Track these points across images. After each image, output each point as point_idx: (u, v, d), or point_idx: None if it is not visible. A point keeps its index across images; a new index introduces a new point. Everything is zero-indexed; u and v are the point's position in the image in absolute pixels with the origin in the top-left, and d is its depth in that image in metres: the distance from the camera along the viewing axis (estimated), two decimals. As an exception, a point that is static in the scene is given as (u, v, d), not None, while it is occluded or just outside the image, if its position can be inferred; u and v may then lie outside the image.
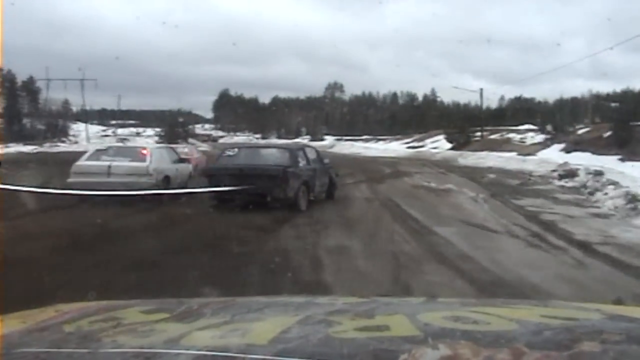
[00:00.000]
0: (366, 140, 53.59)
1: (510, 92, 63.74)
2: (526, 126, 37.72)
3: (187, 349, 0.71)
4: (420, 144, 44.63)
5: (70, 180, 9.14)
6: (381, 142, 52.40)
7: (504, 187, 12.77)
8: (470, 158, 25.78)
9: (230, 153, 9.74)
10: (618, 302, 2.62)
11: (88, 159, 9.94)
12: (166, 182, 10.02)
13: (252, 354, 0.68)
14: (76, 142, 38.38)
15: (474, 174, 16.46)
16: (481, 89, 36.71)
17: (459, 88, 49.14)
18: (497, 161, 22.48)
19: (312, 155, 10.01)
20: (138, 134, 52.89)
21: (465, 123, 35.87)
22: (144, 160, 9.74)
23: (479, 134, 34.71)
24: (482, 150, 28.42)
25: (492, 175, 15.83)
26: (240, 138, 64.14)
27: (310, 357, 0.66)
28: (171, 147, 12.40)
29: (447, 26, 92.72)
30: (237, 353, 0.68)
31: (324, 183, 9.99)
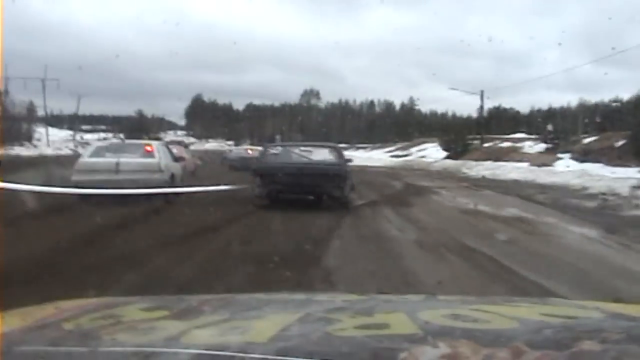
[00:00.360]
0: (344, 149, 52.09)
1: (488, 103, 63.29)
2: (518, 135, 35.93)
3: (187, 347, 0.69)
4: (405, 152, 42.87)
5: (74, 178, 8.68)
6: (361, 151, 50.13)
7: (598, 215, 8.84)
8: (478, 168, 23.30)
9: (276, 152, 9.78)
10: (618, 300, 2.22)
11: (92, 155, 9.48)
12: (172, 180, 9.53)
13: (251, 352, 0.66)
14: (35, 147, 36.41)
15: (515, 190, 13.12)
16: (482, 91, 34.08)
17: (457, 89, 46.27)
18: (518, 173, 19.50)
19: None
20: (105, 139, 48.05)
21: (463, 130, 34.19)
22: (153, 156, 9.31)
23: (476, 142, 32.63)
24: (485, 160, 26.09)
25: (542, 194, 12.20)
26: (212, 145, 62.62)
27: (310, 356, 0.65)
28: (167, 146, 11.48)
29: (424, 36, 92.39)
30: (237, 351, 0.67)
31: (353, 184, 9.82)
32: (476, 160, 26.02)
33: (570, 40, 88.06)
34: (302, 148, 9.97)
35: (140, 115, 61.25)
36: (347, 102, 77.44)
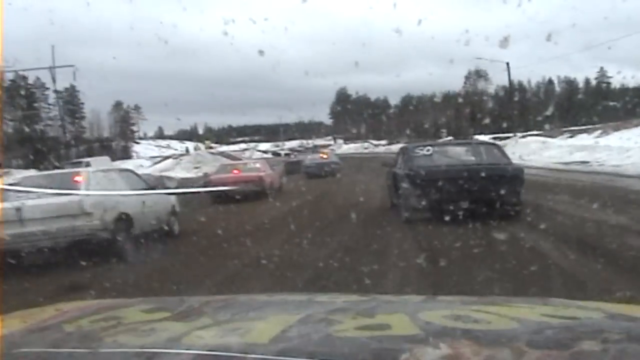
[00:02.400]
0: (541, 136, 29.27)
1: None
2: None
3: (188, 349, 0.70)
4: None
5: None
6: (584, 136, 27.02)
7: None
8: None
9: (426, 152, 7.96)
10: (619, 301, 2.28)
11: None
12: (123, 225, 6.23)
13: (253, 353, 0.67)
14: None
15: None
16: None
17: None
18: None
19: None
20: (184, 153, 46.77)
21: None
22: (77, 191, 5.87)
23: None
24: None
25: None
26: (351, 147, 56.18)
27: (311, 356, 0.65)
28: (131, 171, 8.40)
29: (582, 14, 76.17)
30: (238, 352, 0.67)
31: None
32: None
33: None
34: (454, 147, 8.55)
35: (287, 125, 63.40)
36: (520, 83, 67.44)
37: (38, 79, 52.08)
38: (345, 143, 62.74)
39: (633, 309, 1.01)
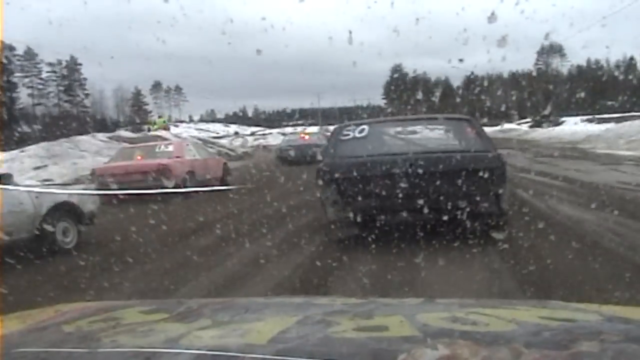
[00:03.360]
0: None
1: None
2: None
3: (187, 349, 0.70)
4: None
5: None
6: None
7: None
8: None
9: (357, 134, 5.03)
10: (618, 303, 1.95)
11: None
12: None
13: (251, 353, 0.67)
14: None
15: None
16: None
17: None
18: None
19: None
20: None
21: None
22: None
23: None
24: None
25: None
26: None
27: (309, 357, 0.66)
28: None
29: None
30: (237, 353, 0.67)
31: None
32: None
33: None
34: (405, 126, 5.89)
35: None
36: (597, 62, 58.15)
37: (29, 49, 48.45)
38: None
39: (631, 312, 1.01)
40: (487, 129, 5.90)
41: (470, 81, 58.23)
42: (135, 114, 59.52)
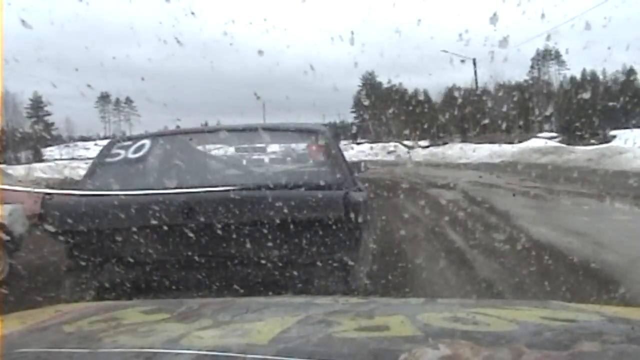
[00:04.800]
0: None
1: None
2: None
3: (187, 349, 0.70)
4: None
5: None
6: None
7: None
8: None
9: (131, 155, 3.03)
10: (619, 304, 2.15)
11: None
12: None
13: (252, 353, 0.67)
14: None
15: None
16: None
17: None
18: None
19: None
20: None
21: None
22: None
23: None
24: None
25: None
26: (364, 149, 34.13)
27: (310, 357, 0.66)
28: None
29: None
30: (238, 353, 0.67)
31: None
32: None
33: None
34: (225, 142, 3.81)
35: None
36: (593, 73, 47.26)
37: None
38: (357, 143, 42.84)
39: (632, 312, 1.02)
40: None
41: (451, 94, 48.51)
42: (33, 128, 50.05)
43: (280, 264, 2.54)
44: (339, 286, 2.55)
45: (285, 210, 2.47)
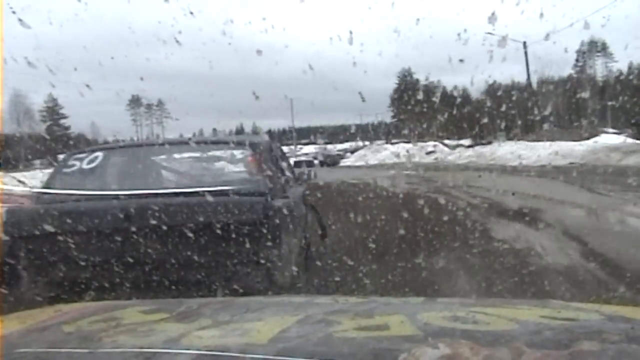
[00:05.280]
0: None
1: None
2: None
3: (187, 349, 0.70)
4: None
5: None
6: None
7: None
8: None
9: (85, 165, 3.49)
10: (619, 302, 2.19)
11: None
12: None
13: (252, 353, 0.67)
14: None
15: None
16: None
17: None
18: None
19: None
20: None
21: None
22: None
23: None
24: None
25: None
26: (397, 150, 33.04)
27: (310, 356, 0.66)
28: None
29: None
30: (237, 352, 0.67)
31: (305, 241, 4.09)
32: None
33: None
34: (169, 153, 4.01)
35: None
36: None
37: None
38: (392, 143, 40.34)
39: (632, 311, 1.01)
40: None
41: (493, 91, 43.53)
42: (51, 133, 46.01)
43: (207, 265, 2.86)
44: (262, 284, 2.86)
45: (211, 215, 2.83)
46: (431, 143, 35.15)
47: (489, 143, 29.02)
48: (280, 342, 0.71)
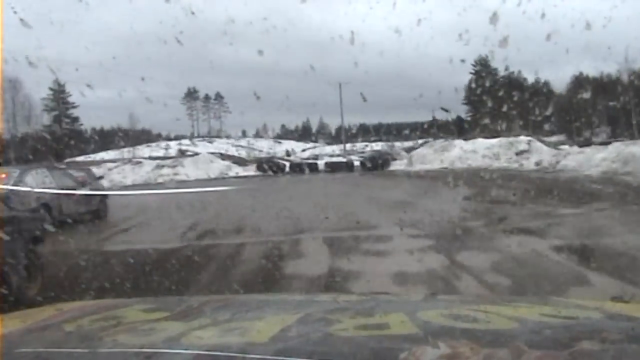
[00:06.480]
0: None
1: None
2: None
3: (187, 348, 0.70)
4: None
5: None
6: None
7: None
8: None
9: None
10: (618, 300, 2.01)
11: None
12: None
13: (252, 352, 0.67)
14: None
15: None
16: None
17: None
18: None
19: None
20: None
21: None
22: None
23: None
24: None
25: None
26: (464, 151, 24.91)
27: (310, 356, 0.66)
28: None
29: None
30: (237, 352, 0.67)
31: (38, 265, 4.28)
32: None
33: None
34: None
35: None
36: None
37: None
38: (465, 139, 30.13)
39: (632, 309, 1.01)
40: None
41: (579, 82, 40.22)
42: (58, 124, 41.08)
43: None
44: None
45: None
46: (524, 138, 25.53)
47: (592, 143, 23.02)
48: (281, 341, 0.70)
